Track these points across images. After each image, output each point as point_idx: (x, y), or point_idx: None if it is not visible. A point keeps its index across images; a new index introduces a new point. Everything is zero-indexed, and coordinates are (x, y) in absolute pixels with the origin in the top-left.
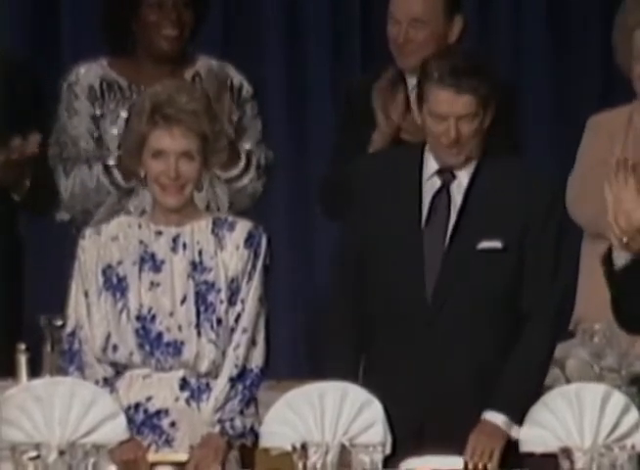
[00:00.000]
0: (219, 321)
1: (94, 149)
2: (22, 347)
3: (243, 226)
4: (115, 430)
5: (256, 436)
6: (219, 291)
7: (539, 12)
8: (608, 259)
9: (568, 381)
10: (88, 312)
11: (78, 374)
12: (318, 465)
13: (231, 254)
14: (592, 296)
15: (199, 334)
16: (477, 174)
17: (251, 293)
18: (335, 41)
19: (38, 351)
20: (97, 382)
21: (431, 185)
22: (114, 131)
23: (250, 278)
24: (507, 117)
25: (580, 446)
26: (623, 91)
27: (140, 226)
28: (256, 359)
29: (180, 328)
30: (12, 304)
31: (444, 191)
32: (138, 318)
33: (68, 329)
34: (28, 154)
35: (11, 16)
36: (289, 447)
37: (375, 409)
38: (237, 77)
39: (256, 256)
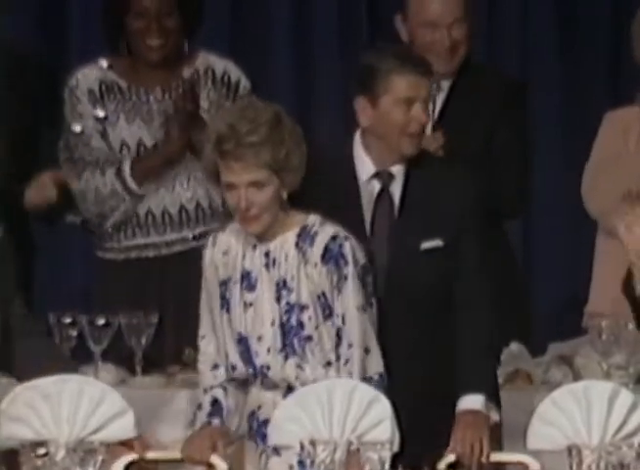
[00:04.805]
0: (309, 338)
1: (105, 148)
2: None
3: (321, 240)
4: (124, 427)
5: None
6: (306, 308)
7: (548, 11)
8: (628, 285)
9: (576, 378)
10: (213, 326)
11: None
12: (326, 462)
13: (313, 267)
14: (605, 290)
15: (286, 358)
16: (409, 173)
17: (348, 305)
18: (341, 37)
19: None
20: (205, 391)
21: (369, 190)
22: (116, 132)
23: (339, 291)
24: (517, 116)
25: (588, 444)
26: (633, 90)
27: (241, 239)
28: (374, 367)
29: (269, 351)
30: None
31: (385, 194)
32: (239, 341)
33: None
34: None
35: (21, 15)
36: (297, 445)
37: (383, 407)
38: (235, 73)
39: (340, 267)
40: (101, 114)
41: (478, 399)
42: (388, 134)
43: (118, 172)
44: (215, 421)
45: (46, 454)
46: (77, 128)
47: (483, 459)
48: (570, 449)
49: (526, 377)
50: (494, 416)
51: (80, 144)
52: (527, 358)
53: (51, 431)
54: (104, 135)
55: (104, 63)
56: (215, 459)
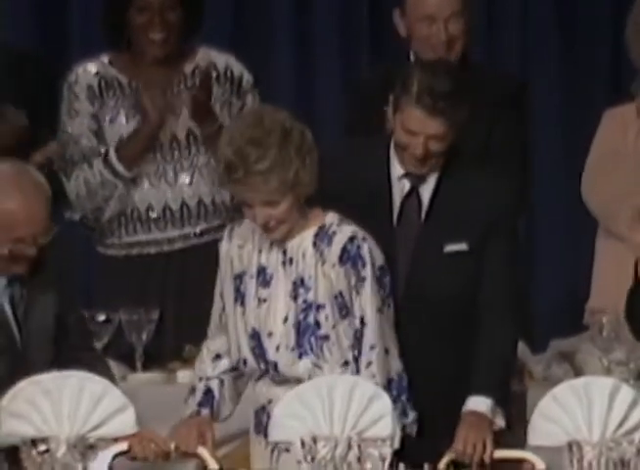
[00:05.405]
0: (326, 337)
1: (96, 146)
2: None
3: (338, 241)
4: (125, 423)
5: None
6: (322, 307)
7: (548, 11)
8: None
9: (576, 374)
10: (225, 318)
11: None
12: (327, 458)
13: (331, 268)
14: (606, 286)
15: (299, 356)
16: (442, 175)
17: (367, 307)
18: (343, 36)
19: None
20: (200, 379)
21: (400, 187)
22: (114, 129)
23: (358, 293)
24: (516, 116)
25: (589, 440)
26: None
27: (257, 233)
28: (395, 366)
29: (278, 348)
30: None
31: (414, 194)
32: (252, 336)
33: None
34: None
35: (22, 15)
36: (297, 441)
37: (383, 403)
38: (237, 67)
39: (358, 268)
40: (98, 111)
41: (484, 402)
42: (396, 144)
43: (105, 160)
44: (205, 411)
45: (47, 451)
46: (69, 128)
47: (486, 458)
48: (570, 445)
49: (528, 374)
50: (499, 422)
51: (71, 142)
52: (528, 355)
53: (52, 427)
54: (98, 134)
55: (105, 58)
56: (204, 453)
